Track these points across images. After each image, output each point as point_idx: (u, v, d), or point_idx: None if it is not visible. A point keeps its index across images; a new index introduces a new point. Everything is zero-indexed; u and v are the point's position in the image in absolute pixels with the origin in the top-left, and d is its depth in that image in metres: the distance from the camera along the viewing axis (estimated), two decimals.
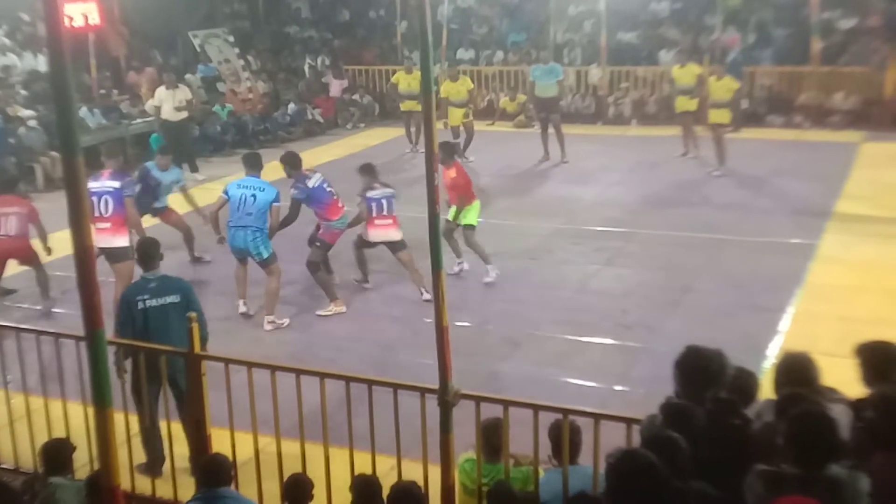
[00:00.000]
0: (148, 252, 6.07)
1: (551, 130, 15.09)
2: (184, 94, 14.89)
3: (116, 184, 8.43)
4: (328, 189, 9.01)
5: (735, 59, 17.70)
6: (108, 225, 8.33)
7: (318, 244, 9.04)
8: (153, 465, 5.63)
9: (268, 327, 8.39)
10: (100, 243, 8.08)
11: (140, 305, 5.69)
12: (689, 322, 8.01)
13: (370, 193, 9.16)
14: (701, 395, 3.72)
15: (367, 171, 9.49)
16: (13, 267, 9.32)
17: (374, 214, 9.09)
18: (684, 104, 14.69)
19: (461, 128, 15.68)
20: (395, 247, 9.12)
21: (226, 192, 8.69)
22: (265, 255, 8.54)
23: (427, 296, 8.59)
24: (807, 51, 17.79)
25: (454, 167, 9.37)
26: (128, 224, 8.50)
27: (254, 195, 8.48)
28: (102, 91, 16.94)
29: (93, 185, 8.27)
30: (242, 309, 8.74)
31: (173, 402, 5.41)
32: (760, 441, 3.62)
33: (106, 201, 8.33)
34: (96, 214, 8.19)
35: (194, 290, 6.09)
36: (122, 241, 8.36)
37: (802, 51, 17.92)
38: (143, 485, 5.41)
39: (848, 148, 15.07)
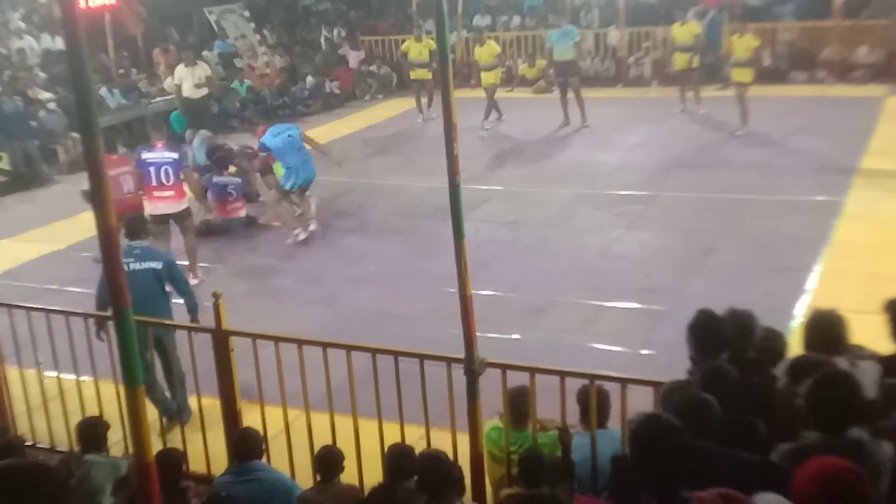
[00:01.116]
0: (135, 227, 6.34)
1: (571, 95, 14.96)
2: (203, 70, 14.89)
3: (175, 155, 8.83)
4: None
5: (713, 18, 17.47)
6: (170, 193, 8.80)
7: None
8: (171, 415, 5.89)
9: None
10: (164, 210, 8.77)
11: (124, 268, 5.77)
12: (714, 284, 7.97)
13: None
14: (714, 358, 3.70)
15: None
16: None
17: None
18: (682, 62, 14.76)
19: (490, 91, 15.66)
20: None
21: (266, 147, 9.93)
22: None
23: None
24: (828, 5, 17.46)
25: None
26: (192, 191, 9.03)
27: (290, 134, 9.91)
28: (121, 71, 16.98)
29: (149, 155, 8.74)
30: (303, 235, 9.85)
31: (192, 377, 5.46)
32: (782, 400, 3.62)
33: (166, 171, 8.71)
34: (155, 183, 8.70)
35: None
36: (184, 203, 8.97)
37: (824, 5, 17.60)
38: None
39: (872, 102, 14.83)
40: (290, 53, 20.34)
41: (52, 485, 2.54)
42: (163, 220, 8.81)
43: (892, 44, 16.76)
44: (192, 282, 8.49)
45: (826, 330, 3.89)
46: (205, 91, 14.74)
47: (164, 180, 8.72)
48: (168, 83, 15.99)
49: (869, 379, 3.59)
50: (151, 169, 8.69)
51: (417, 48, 16.14)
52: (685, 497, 2.75)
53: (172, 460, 4.55)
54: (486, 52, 15.61)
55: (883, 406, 3.49)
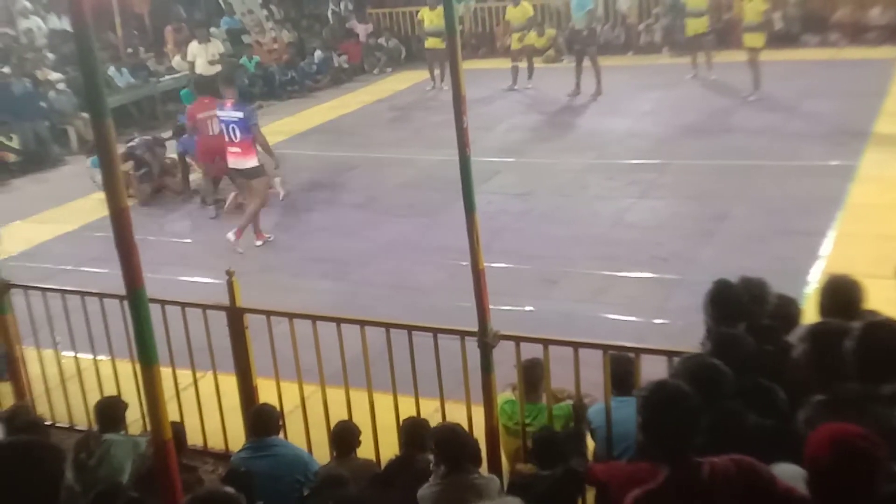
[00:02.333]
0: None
1: (587, 63, 14.83)
2: (216, 47, 14.84)
3: (240, 114, 9.06)
4: None
5: None
6: (238, 150, 9.10)
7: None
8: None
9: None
10: (234, 165, 9.22)
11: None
12: (726, 251, 7.94)
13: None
14: (732, 328, 3.69)
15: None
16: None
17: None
18: (695, 27, 14.59)
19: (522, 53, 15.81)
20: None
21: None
22: None
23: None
24: None
25: None
26: (260, 147, 9.17)
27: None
28: (129, 50, 16.95)
29: (220, 113, 9.20)
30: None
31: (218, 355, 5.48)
32: (797, 366, 3.61)
33: (233, 129, 9.02)
34: (227, 140, 9.10)
35: None
36: (253, 161, 9.14)
37: None
38: (195, 437, 5.54)
39: (886, 64, 14.64)
40: (297, 28, 20.24)
41: (58, 464, 2.56)
42: (235, 174, 9.37)
43: None
44: (257, 242, 9.37)
45: (842, 296, 3.87)
46: (218, 68, 14.70)
47: (232, 137, 9.07)
48: (177, 61, 15.97)
49: None
50: (223, 126, 9.14)
51: (430, 16, 16.04)
52: (698, 462, 2.76)
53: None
54: (517, 13, 15.72)
55: None
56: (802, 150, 10.67)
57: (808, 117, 12.23)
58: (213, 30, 18.56)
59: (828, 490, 2.54)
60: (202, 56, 14.47)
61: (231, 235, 9.19)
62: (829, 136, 11.10)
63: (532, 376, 4.52)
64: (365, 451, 4.77)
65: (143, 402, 3.43)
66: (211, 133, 10.13)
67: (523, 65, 15.91)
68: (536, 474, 4.04)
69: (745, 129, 12.01)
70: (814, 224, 8.32)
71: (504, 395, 4.75)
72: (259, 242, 9.44)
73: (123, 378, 5.40)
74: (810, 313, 4.09)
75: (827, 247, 7.87)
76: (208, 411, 5.46)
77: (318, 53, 18.89)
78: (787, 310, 4.08)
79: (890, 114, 11.78)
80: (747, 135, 11.74)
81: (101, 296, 5.53)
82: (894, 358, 3.15)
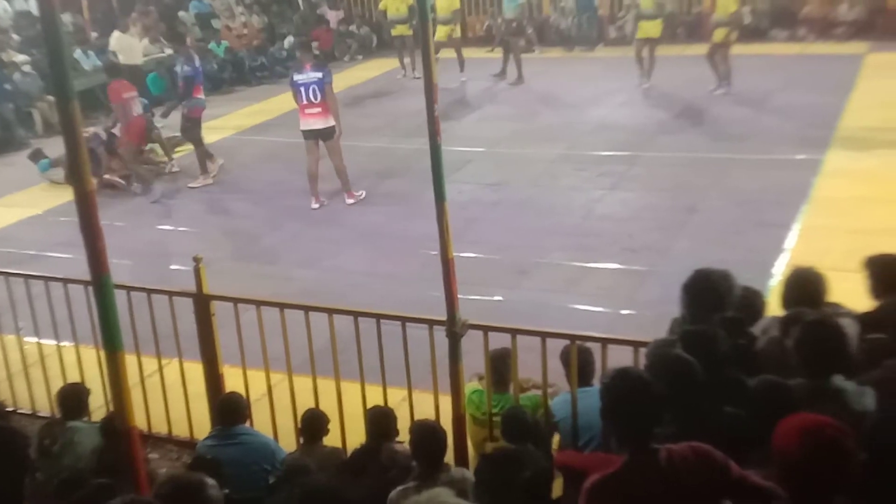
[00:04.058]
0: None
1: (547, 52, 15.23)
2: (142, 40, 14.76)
3: (319, 74, 9.60)
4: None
5: None
6: (318, 110, 9.62)
7: (189, 122, 10.80)
8: None
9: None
10: (313, 125, 9.68)
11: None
12: (696, 243, 8.01)
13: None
14: (709, 318, 3.72)
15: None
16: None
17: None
18: (647, 30, 14.05)
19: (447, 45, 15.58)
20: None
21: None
22: None
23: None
24: None
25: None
26: (332, 109, 9.68)
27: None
28: (95, 33, 16.70)
29: (299, 77, 9.65)
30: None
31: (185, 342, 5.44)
32: (768, 357, 3.65)
33: (314, 90, 9.54)
34: (305, 102, 9.61)
35: None
36: (330, 121, 9.67)
37: None
38: (159, 425, 5.50)
39: (853, 60, 14.83)
40: (268, 13, 20.06)
41: (24, 450, 2.54)
42: (312, 135, 9.72)
43: (873, 0, 16.73)
44: (349, 201, 9.91)
45: (805, 287, 3.92)
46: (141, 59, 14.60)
47: (312, 98, 9.56)
48: (145, 45, 15.75)
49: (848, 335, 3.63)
50: (302, 89, 9.57)
51: (395, 4, 16.03)
52: (655, 448, 2.79)
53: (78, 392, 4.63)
54: (442, 3, 15.39)
55: (862, 362, 3.53)
56: (771, 143, 10.77)
57: (776, 111, 12.35)
58: (181, 13, 18.37)
59: (798, 480, 2.57)
60: (133, 47, 14.25)
61: (350, 200, 9.86)
62: (797, 131, 11.21)
63: (500, 366, 4.53)
64: (332, 439, 4.76)
65: (107, 388, 3.39)
66: (135, 114, 10.65)
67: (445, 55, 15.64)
68: (504, 448, 4.04)
69: (715, 123, 12.11)
70: (781, 217, 8.41)
71: (471, 385, 4.75)
72: (351, 201, 9.87)
73: (87, 365, 5.34)
74: (774, 305, 4.13)
75: (793, 240, 7.96)
76: (173, 399, 5.41)
77: (288, 39, 18.74)
78: (753, 301, 4.12)
79: (856, 109, 11.93)
80: (717, 128, 11.84)
81: (65, 281, 5.46)
82: (835, 354, 3.22)
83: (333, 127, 9.70)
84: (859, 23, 16.73)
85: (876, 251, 4.22)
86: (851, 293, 4.06)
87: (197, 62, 11.11)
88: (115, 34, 14.43)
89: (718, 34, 13.33)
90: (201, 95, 11.09)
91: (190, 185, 11.01)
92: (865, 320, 3.84)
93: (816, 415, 2.71)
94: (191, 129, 11.00)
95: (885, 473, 2.68)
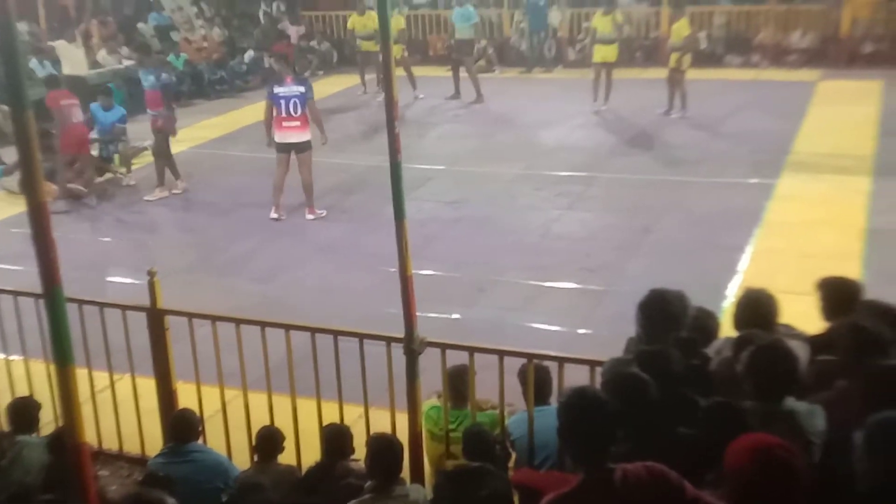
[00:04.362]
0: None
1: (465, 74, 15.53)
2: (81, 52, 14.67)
3: (302, 88, 9.81)
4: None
5: (535, 3, 18.07)
6: (297, 123, 9.76)
7: (163, 133, 10.80)
8: None
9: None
10: (290, 139, 9.76)
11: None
12: (651, 263, 8.10)
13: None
14: (664, 337, 3.76)
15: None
16: None
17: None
18: (604, 54, 14.14)
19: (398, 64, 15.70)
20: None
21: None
22: None
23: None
24: None
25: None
26: (315, 121, 9.92)
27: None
28: (51, 42, 16.45)
29: (280, 89, 9.73)
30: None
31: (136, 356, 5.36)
32: (720, 378, 3.70)
33: (294, 103, 9.68)
34: (284, 115, 9.69)
35: None
36: (308, 135, 9.86)
37: None
38: (110, 441, 5.40)
39: (805, 86, 15.18)
40: (228, 27, 19.96)
41: None
42: (286, 148, 9.80)
43: (825, 28, 17.16)
44: (309, 217, 9.89)
45: (757, 309, 3.97)
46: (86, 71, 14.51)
47: (292, 111, 9.68)
48: (102, 55, 15.59)
49: (799, 357, 3.69)
50: (282, 101, 9.67)
51: (362, 21, 16.16)
52: (611, 468, 2.81)
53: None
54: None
55: (813, 384, 3.59)
56: (725, 167, 10.95)
57: (730, 136, 12.57)
58: (140, 25, 18.21)
59: (749, 500, 2.60)
60: (76, 57, 14.13)
61: (310, 215, 9.85)
62: (751, 155, 11.42)
63: (458, 383, 4.53)
64: (287, 456, 4.71)
65: (57, 403, 3.32)
66: (74, 121, 10.66)
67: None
68: (465, 466, 4.03)
69: (672, 145, 12.29)
70: (734, 239, 8.55)
71: (430, 402, 4.74)
72: (311, 217, 9.89)
73: (37, 379, 5.23)
74: (727, 326, 4.19)
75: (745, 262, 8.09)
76: (125, 414, 5.32)
77: (248, 53, 18.66)
78: (706, 322, 4.18)
79: (808, 135, 12.20)
80: (673, 151, 12.02)
81: (15, 294, 5.35)
82: (786, 377, 3.28)
83: (309, 141, 9.84)
84: (811, 51, 17.14)
85: (825, 274, 4.30)
86: (802, 315, 4.13)
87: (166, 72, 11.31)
88: (60, 43, 14.28)
89: (674, 58, 13.56)
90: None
91: (146, 197, 10.88)
92: (816, 342, 3.91)
93: (767, 435, 2.76)
94: (164, 140, 10.96)
95: (836, 494, 2.73)
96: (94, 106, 11.69)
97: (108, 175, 11.72)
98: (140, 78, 11.24)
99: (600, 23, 14.33)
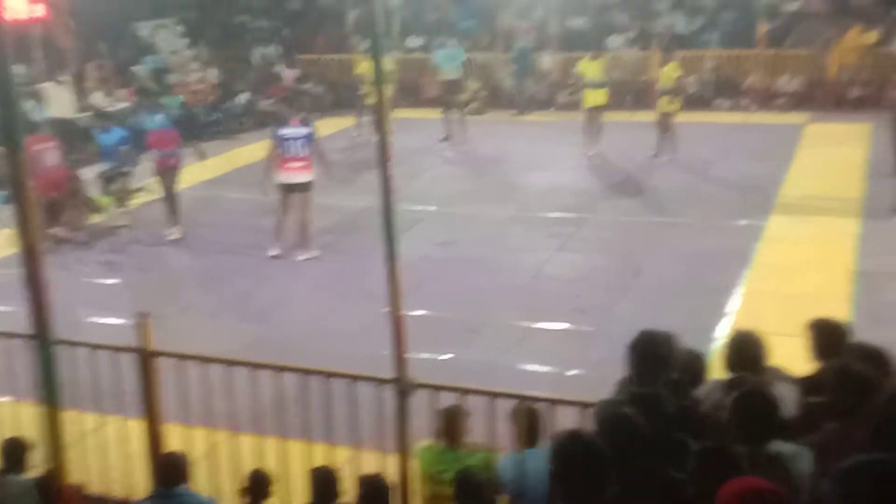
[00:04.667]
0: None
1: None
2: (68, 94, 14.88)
3: (307, 130, 10.00)
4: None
5: (522, 49, 18.31)
6: (303, 164, 9.95)
7: (174, 171, 11.06)
8: None
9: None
10: (296, 179, 9.92)
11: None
12: (641, 305, 8.13)
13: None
14: (655, 378, 3.78)
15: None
16: None
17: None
18: (594, 98, 14.26)
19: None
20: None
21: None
22: None
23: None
24: (752, 34, 18.05)
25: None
26: (318, 160, 10.12)
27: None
28: (38, 85, 16.54)
29: (286, 131, 9.92)
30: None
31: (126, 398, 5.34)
32: (712, 421, 3.70)
33: (302, 144, 9.89)
34: (291, 156, 9.87)
35: None
36: (311, 175, 10.07)
37: (748, 34, 18.19)
38: (97, 484, 5.36)
39: (793, 129, 15.35)
40: (224, 70, 20.13)
41: None
42: (291, 189, 9.95)
43: (813, 72, 17.39)
44: (301, 258, 9.97)
45: (746, 351, 4.00)
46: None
47: (299, 152, 9.87)
48: (98, 98, 15.70)
49: (787, 399, 3.71)
50: (289, 143, 9.85)
51: (370, 66, 16.27)
52: None
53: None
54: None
55: (802, 425, 3.60)
56: (714, 209, 11.04)
57: (720, 178, 12.69)
58: (136, 68, 18.36)
59: None
60: (63, 100, 14.29)
61: (302, 256, 9.94)
62: (740, 197, 11.53)
63: (454, 423, 4.52)
64: (276, 501, 4.67)
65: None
66: (48, 165, 10.93)
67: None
68: None
69: (661, 188, 12.38)
70: (723, 281, 8.59)
71: (424, 443, 4.73)
72: (304, 257, 9.98)
73: (26, 420, 5.20)
74: (716, 368, 4.21)
75: (735, 303, 8.12)
76: (113, 457, 5.29)
77: (244, 96, 18.81)
78: (695, 364, 4.20)
79: (796, 178, 12.31)
80: (663, 193, 12.11)
81: (6, 335, 5.34)
82: (768, 421, 3.30)
83: (312, 181, 10.03)
84: (799, 94, 17.36)
85: (814, 315, 4.34)
86: (791, 356, 4.15)
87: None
88: (48, 85, 14.40)
89: (664, 102, 13.72)
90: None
91: (168, 237, 10.96)
92: (805, 384, 3.93)
93: (757, 479, 2.76)
94: (174, 179, 11.12)
95: None
96: (96, 132, 11.88)
97: (103, 213, 11.74)
98: (143, 120, 11.33)
99: (589, 68, 14.48)
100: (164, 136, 11.03)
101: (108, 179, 11.67)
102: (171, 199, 11.08)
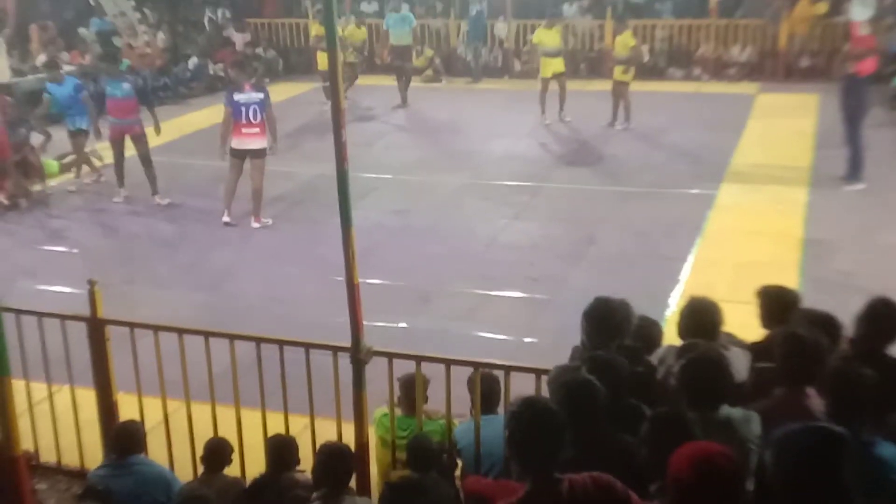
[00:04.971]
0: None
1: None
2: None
3: (261, 95, 9.82)
4: None
5: (478, 14, 18.40)
6: (257, 130, 9.76)
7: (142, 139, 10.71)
8: None
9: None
10: (249, 145, 9.74)
11: None
12: (594, 273, 8.20)
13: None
14: (609, 345, 3.81)
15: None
16: None
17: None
18: (553, 66, 14.24)
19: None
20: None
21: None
22: None
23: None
24: (705, 4, 18.16)
25: None
26: (271, 130, 9.97)
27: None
28: None
29: (240, 96, 9.68)
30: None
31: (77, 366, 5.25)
32: (666, 386, 3.76)
33: (255, 110, 9.68)
34: (244, 121, 9.65)
35: None
36: (265, 142, 9.90)
37: (701, 4, 18.31)
38: (48, 453, 5.28)
39: (744, 99, 15.53)
40: (172, 33, 19.70)
41: None
42: (242, 154, 9.78)
43: (764, 43, 17.60)
44: (255, 225, 9.83)
45: (701, 317, 4.04)
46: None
47: (252, 118, 9.67)
48: (41, 60, 15.27)
49: (739, 364, 3.77)
50: (242, 108, 9.63)
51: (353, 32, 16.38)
52: (558, 478, 2.83)
53: None
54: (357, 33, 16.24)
55: (753, 390, 3.67)
56: (667, 178, 11.14)
57: (672, 147, 12.80)
58: (82, 31, 17.88)
59: None
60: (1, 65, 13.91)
61: (256, 224, 9.81)
62: (692, 166, 11.65)
63: (411, 391, 4.53)
64: (232, 468, 4.65)
65: None
66: None
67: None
68: (408, 478, 4.03)
69: (615, 156, 12.46)
70: (675, 249, 8.69)
71: (382, 409, 4.73)
72: (258, 225, 9.84)
73: None
74: (670, 334, 4.27)
75: (686, 271, 8.23)
76: (63, 426, 5.21)
77: (193, 60, 18.45)
78: (650, 331, 4.25)
79: (747, 146, 12.47)
80: (616, 162, 12.19)
81: None
82: (718, 386, 3.36)
83: (265, 148, 9.87)
84: (750, 64, 17.55)
85: (764, 282, 4.41)
86: (742, 323, 4.22)
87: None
88: None
89: (618, 71, 13.77)
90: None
91: (159, 201, 10.74)
92: (755, 349, 4.00)
93: (708, 443, 2.80)
94: (146, 145, 10.80)
95: (773, 499, 2.78)
96: (48, 85, 11.38)
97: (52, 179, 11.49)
98: (109, 87, 10.79)
99: (546, 36, 14.42)
100: (127, 105, 10.63)
101: (73, 135, 11.35)
102: (147, 165, 10.78)
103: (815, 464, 2.51)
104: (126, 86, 10.63)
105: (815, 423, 2.64)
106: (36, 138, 11.78)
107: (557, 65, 14.32)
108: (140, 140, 10.74)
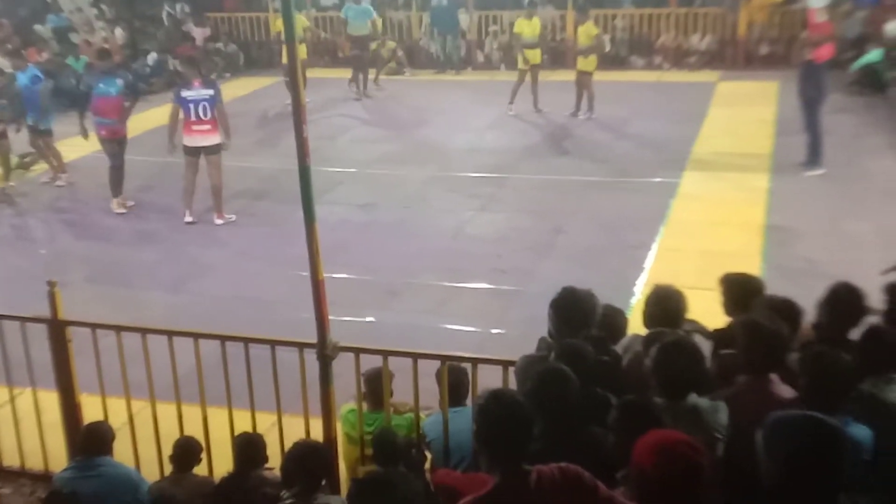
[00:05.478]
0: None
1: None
2: None
3: (210, 92, 9.61)
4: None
5: (449, 5, 18.50)
6: (207, 127, 9.59)
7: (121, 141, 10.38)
8: None
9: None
10: (200, 143, 9.59)
11: None
12: (561, 263, 8.23)
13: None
14: (576, 335, 3.82)
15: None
16: None
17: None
18: (532, 57, 14.27)
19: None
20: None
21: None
22: None
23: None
24: None
25: None
26: (223, 126, 9.73)
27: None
28: None
29: (188, 93, 9.52)
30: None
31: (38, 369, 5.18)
32: (632, 375, 3.78)
33: (204, 107, 9.50)
34: (193, 119, 9.50)
35: None
36: (218, 138, 9.70)
37: None
38: (11, 458, 5.20)
39: (705, 87, 15.66)
40: (130, 29, 19.42)
41: None
42: (195, 152, 9.64)
43: (724, 31, 17.75)
44: (218, 222, 9.70)
45: (666, 305, 4.07)
46: None
47: (201, 115, 9.51)
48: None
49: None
50: (191, 105, 9.48)
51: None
52: (526, 470, 2.84)
53: None
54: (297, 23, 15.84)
55: (716, 377, 3.70)
56: (630, 167, 11.21)
57: (635, 136, 12.88)
58: (38, 27, 17.57)
59: (654, 497, 2.64)
60: None
61: (219, 220, 9.68)
62: (655, 155, 11.72)
63: (377, 386, 4.52)
64: (199, 468, 4.61)
65: None
66: None
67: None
68: (375, 474, 4.02)
69: (580, 147, 12.51)
70: (640, 238, 8.75)
71: (348, 405, 4.72)
72: (220, 222, 9.72)
73: None
74: (635, 324, 4.29)
75: (650, 260, 8.29)
76: (26, 429, 5.13)
77: (152, 56, 18.21)
78: (615, 320, 4.27)
79: (708, 136, 12.57)
80: (581, 152, 12.23)
81: None
82: (690, 374, 3.38)
83: (219, 144, 9.71)
84: (711, 52, 17.69)
85: (727, 270, 4.44)
86: (705, 310, 4.26)
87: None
88: None
89: (581, 61, 13.80)
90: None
91: (116, 210, 10.33)
92: (718, 337, 4.03)
93: (672, 432, 2.82)
94: (122, 149, 10.44)
95: (740, 488, 2.80)
96: (17, 74, 11.31)
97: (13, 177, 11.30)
98: (99, 86, 10.24)
99: (526, 27, 14.43)
100: (111, 105, 10.19)
101: (33, 133, 11.16)
102: (118, 169, 10.41)
103: (816, 463, 2.47)
104: (120, 82, 10.30)
105: (810, 415, 2.59)
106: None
107: (535, 56, 14.40)
108: (123, 141, 10.44)
